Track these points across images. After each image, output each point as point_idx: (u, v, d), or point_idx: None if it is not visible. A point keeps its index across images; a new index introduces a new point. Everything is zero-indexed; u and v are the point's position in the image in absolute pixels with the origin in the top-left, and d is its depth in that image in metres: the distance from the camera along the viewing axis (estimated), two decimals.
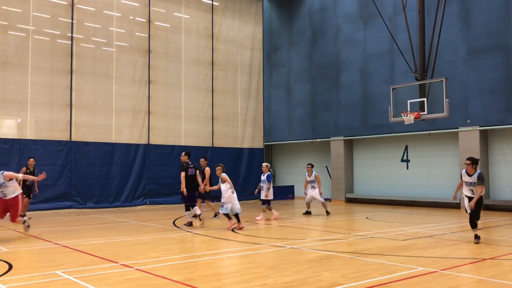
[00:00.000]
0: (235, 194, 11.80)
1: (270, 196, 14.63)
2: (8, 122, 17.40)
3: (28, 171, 14.06)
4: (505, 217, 15.17)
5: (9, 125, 17.39)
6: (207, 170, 14.22)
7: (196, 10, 22.27)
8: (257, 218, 14.31)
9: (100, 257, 8.12)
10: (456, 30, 18.97)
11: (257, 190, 15.09)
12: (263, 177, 14.65)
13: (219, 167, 12.28)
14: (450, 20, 18.71)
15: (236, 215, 11.82)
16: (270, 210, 14.71)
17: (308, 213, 16.29)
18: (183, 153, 13.49)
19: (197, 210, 12.78)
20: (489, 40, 18.07)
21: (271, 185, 14.67)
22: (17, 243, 9.82)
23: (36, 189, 14.47)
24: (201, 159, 14.74)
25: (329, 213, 16.20)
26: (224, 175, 12.01)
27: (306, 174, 16.33)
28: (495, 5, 18.00)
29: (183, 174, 12.73)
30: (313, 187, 16.09)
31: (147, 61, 20.42)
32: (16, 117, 17.41)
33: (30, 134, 17.52)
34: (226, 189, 11.80)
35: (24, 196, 12.98)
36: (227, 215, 11.81)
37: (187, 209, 12.72)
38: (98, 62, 19.11)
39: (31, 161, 14.39)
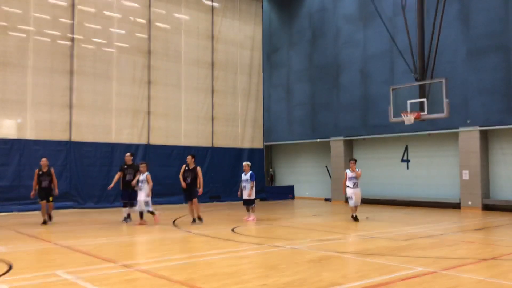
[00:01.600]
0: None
1: (253, 196, 14.16)
2: (8, 122, 17.42)
3: (41, 172, 13.20)
4: (505, 217, 15.18)
5: (9, 125, 17.40)
6: (199, 169, 13.50)
7: (196, 11, 22.30)
8: (248, 218, 13.98)
9: (101, 257, 8.13)
10: (456, 30, 18.98)
11: (240, 192, 14.30)
12: (245, 176, 14.13)
13: (144, 164, 13.19)
14: (450, 21, 18.72)
15: (141, 213, 12.91)
16: (253, 211, 14.17)
17: (356, 219, 13.93)
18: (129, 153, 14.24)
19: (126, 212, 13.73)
20: (489, 41, 18.08)
21: (254, 184, 14.18)
22: (16, 243, 9.83)
23: (56, 190, 13.50)
24: (188, 157, 13.71)
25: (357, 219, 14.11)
26: (149, 174, 12.97)
27: (348, 171, 14.13)
28: (494, 5, 18.01)
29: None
30: (356, 186, 13.95)
31: (147, 62, 20.44)
32: (16, 118, 17.42)
33: (30, 134, 17.54)
34: (150, 187, 12.84)
35: (40, 200, 13.10)
36: (152, 212, 12.95)
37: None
38: (98, 63, 19.13)
39: (44, 161, 13.40)
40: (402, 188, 21.01)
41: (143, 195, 12.76)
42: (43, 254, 8.61)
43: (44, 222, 13.10)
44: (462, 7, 18.94)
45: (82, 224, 13.51)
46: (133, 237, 10.97)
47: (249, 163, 14.61)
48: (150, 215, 13.09)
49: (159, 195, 19.98)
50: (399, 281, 6.28)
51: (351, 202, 13.86)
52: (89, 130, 18.72)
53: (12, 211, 16.23)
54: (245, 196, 14.15)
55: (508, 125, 17.45)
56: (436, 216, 15.76)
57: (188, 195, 13.29)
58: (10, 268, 7.15)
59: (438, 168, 19.91)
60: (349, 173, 13.95)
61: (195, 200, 13.19)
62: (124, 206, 13.84)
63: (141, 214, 12.93)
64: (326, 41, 24.36)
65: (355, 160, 14.43)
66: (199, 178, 13.29)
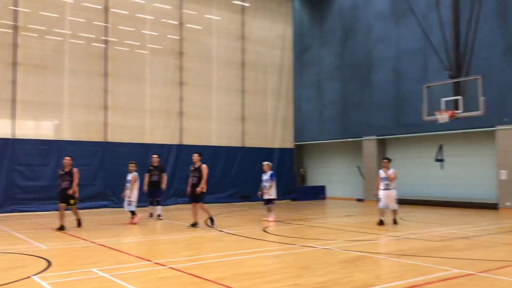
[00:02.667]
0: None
1: (274, 196, 14.08)
2: (46, 124, 18.00)
3: (62, 172, 12.09)
4: None
5: (47, 127, 17.99)
6: (204, 167, 12.34)
7: (226, 12, 22.43)
8: (268, 219, 13.85)
9: (135, 256, 8.29)
10: (493, 25, 18.41)
11: (260, 192, 14.21)
12: (266, 177, 14.10)
13: (133, 164, 13.57)
14: (487, 16, 18.17)
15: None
16: (269, 210, 14.04)
17: (381, 223, 12.91)
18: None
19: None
20: None
21: (275, 183, 14.09)
22: (55, 241, 10.13)
23: (75, 190, 12.09)
24: (194, 155, 12.68)
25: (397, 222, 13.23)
26: (135, 174, 13.42)
27: (381, 171, 13.46)
28: None
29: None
30: (387, 188, 13.10)
31: (179, 63, 20.70)
32: (53, 119, 17.97)
33: (66, 135, 18.05)
34: (136, 187, 13.35)
35: (59, 202, 11.92)
36: (133, 211, 13.26)
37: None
38: (131, 65, 19.50)
39: (67, 160, 12.14)
40: (436, 188, 20.56)
41: (128, 194, 13.23)
42: (80, 252, 8.84)
43: (61, 228, 11.72)
44: (500, 2, 18.36)
45: (117, 223, 13.79)
46: (166, 236, 11.13)
47: (269, 163, 14.52)
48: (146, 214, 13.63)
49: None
50: (434, 283, 6.15)
51: (380, 204, 13.19)
52: (124, 131, 19.11)
53: (50, 210, 16.71)
54: (265, 196, 14.09)
55: None
56: (472, 217, 15.35)
57: (192, 197, 12.32)
58: (49, 265, 7.38)
59: (474, 168, 19.38)
60: (381, 173, 13.41)
61: (200, 204, 12.28)
62: (150, 204, 14.66)
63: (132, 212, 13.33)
64: (358, 39, 24.07)
65: (388, 160, 13.57)
66: (203, 177, 12.18)
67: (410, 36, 21.36)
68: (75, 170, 12.07)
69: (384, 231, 11.88)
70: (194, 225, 12.35)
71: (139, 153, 19.26)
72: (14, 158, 17.00)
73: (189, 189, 12.45)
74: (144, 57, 19.87)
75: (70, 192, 11.83)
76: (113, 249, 8.99)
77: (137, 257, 8.15)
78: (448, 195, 19.91)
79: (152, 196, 14.71)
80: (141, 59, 19.77)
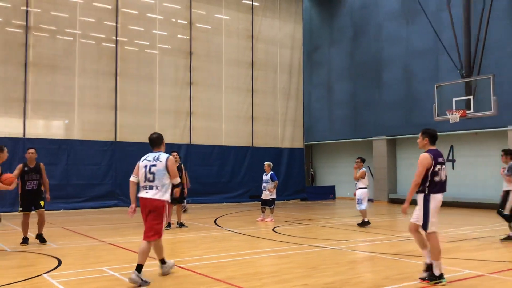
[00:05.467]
0: None
1: (274, 196, 13.82)
2: (56, 123, 18.15)
3: (26, 168, 9.32)
4: None
5: (57, 126, 18.14)
6: (182, 167, 12.43)
7: (236, 11, 22.44)
8: (266, 219, 13.63)
9: None
10: (505, 25, 18.22)
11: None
12: (266, 177, 13.84)
13: None
14: (498, 15, 17.99)
15: None
16: (271, 211, 13.78)
17: (365, 224, 12.66)
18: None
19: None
20: None
21: (276, 184, 13.87)
22: (66, 240, 10.20)
23: (48, 195, 9.65)
24: (174, 153, 11.87)
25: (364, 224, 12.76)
26: None
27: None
28: None
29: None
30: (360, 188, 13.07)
31: (188, 63, 20.75)
32: (63, 119, 18.11)
33: (77, 134, 18.18)
34: None
35: (22, 209, 9.16)
36: None
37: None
38: (141, 65, 19.59)
39: (31, 153, 9.46)
40: (447, 188, 20.35)
41: None
42: (89, 250, 8.89)
43: (24, 241, 9.15)
44: (511, 1, 18.17)
45: (127, 222, 13.85)
46: (176, 235, 11.16)
47: (270, 163, 14.18)
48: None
49: (199, 194, 20.22)
50: (445, 284, 6.09)
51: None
52: (133, 131, 19.19)
53: (60, 209, 16.85)
54: (264, 197, 13.85)
55: None
56: (483, 218, 15.19)
57: (179, 198, 11.85)
58: (59, 263, 7.43)
59: (485, 168, 19.18)
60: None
61: (181, 205, 12.33)
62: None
63: None
64: (368, 39, 23.96)
65: (361, 159, 13.41)
66: (183, 177, 12.02)
67: (420, 35, 21.21)
68: (42, 164, 9.50)
69: (394, 231, 11.80)
70: (178, 224, 12.24)
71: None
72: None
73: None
74: (154, 57, 19.94)
75: (46, 196, 9.54)
76: (122, 248, 9.03)
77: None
78: (459, 196, 19.72)
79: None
80: (150, 59, 19.85)
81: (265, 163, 14.29)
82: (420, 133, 6.68)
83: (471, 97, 16.34)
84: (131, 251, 8.65)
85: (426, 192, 6.32)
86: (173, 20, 20.58)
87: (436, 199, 6.34)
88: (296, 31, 24.61)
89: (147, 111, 19.67)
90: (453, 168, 20.35)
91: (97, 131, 18.54)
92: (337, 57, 25.77)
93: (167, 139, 21.97)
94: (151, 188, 6.39)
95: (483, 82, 16.09)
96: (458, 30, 17.23)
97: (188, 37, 20.82)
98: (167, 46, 20.31)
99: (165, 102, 20.13)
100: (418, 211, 6.40)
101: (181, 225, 12.29)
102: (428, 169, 6.30)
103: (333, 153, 26.82)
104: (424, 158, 6.30)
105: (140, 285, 5.94)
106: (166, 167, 6.45)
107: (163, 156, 6.63)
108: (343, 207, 20.44)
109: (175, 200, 11.33)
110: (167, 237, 10.99)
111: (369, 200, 23.54)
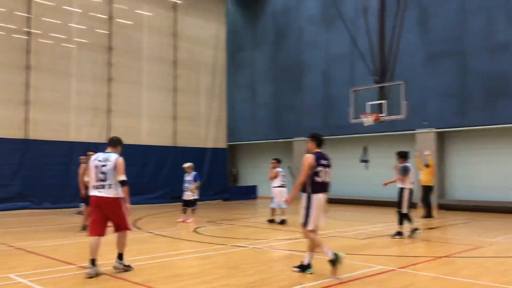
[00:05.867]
0: None
1: (196, 196, 13.73)
2: None
3: None
4: (458, 216, 15.73)
5: None
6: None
7: (158, 8, 22.01)
8: (187, 220, 13.49)
9: (58, 259, 7.90)
10: (415, 34, 19.52)
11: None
12: (188, 177, 13.76)
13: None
14: (410, 25, 19.21)
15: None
16: (193, 212, 13.67)
17: (273, 221, 13.39)
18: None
19: None
20: (445, 46, 18.70)
21: (199, 184, 13.85)
22: None
23: None
24: (90, 153, 11.03)
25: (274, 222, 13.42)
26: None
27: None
28: (451, 11, 18.65)
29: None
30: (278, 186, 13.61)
31: (108, 58, 20.01)
32: None
33: None
34: None
35: None
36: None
37: None
38: (57, 59, 18.60)
39: None
40: (361, 188, 21.41)
41: None
42: None
43: None
44: (421, 12, 19.51)
45: (39, 225, 13.09)
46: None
47: (190, 164, 13.98)
48: None
49: None
50: (359, 279, 6.41)
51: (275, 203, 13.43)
52: (47, 128, 18.14)
53: None
54: (186, 197, 13.70)
55: (463, 127, 18.09)
56: (394, 216, 16.09)
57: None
58: None
59: None
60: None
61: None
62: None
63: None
64: (290, 42, 24.55)
65: (276, 160, 14.12)
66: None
67: (339, 41, 22.11)
68: None
69: None
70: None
71: (64, 151, 18.40)
72: None
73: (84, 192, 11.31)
74: (71, 51, 19.02)
75: None
76: (33, 253, 8.52)
77: (60, 261, 7.78)
78: (373, 195, 20.79)
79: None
80: (67, 53, 18.90)
81: (184, 165, 13.98)
82: (308, 137, 7.22)
83: (383, 101, 17.26)
84: (44, 255, 8.18)
85: (309, 192, 6.68)
86: (92, 14, 19.74)
87: (318, 198, 6.69)
88: (219, 32, 24.62)
89: (63, 108, 18.69)
90: (367, 169, 21.41)
91: (6, 128, 17.30)
92: (260, 59, 26.14)
93: (84, 138, 21.23)
94: (103, 187, 6.78)
95: (395, 88, 17.06)
96: (373, 37, 18.13)
97: (108, 32, 20.08)
98: (85, 41, 19.44)
99: (83, 99, 19.25)
100: (301, 209, 6.74)
101: None
102: (311, 170, 6.66)
103: (256, 153, 27.18)
104: (306, 158, 6.73)
105: (125, 270, 6.82)
106: (115, 167, 6.86)
107: (113, 156, 7.06)
108: (264, 206, 20.75)
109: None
110: (85, 240, 10.51)
111: None
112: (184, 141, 22.61)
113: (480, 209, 17.62)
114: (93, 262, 6.57)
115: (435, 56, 18.97)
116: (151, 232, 11.48)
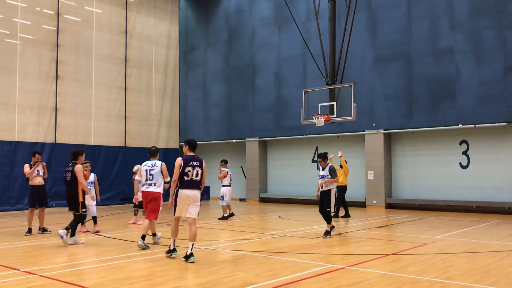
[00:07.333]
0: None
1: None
2: None
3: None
4: (405, 215, 16.31)
5: None
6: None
7: (109, 5, 21.47)
8: (138, 223, 13.23)
9: (0, 264, 7.54)
10: (364, 38, 20.08)
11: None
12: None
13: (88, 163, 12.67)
14: (359, 29, 19.76)
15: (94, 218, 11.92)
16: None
17: (226, 218, 14.77)
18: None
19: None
20: (393, 49, 19.35)
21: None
22: None
23: None
24: (37, 155, 11.68)
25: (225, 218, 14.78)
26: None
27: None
28: (398, 15, 19.32)
29: None
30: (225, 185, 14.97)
31: (55, 56, 19.33)
32: None
33: None
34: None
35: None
36: (94, 218, 11.88)
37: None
38: (0, 55, 17.77)
39: None
40: (313, 188, 21.74)
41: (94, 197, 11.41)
42: None
43: None
44: (370, 16, 20.09)
45: None
46: (38, 242, 10.31)
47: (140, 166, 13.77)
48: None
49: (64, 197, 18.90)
50: (310, 278, 6.52)
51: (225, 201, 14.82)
52: None
53: None
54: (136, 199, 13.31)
55: (409, 129, 18.78)
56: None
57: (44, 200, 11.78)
58: None
59: None
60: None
61: (43, 209, 11.61)
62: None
63: (95, 219, 11.86)
64: (242, 43, 24.61)
65: (223, 161, 15.30)
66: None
67: (291, 42, 22.40)
68: None
69: (265, 230, 12.27)
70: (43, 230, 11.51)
71: (6, 151, 17.61)
72: None
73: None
74: (15, 47, 18.22)
75: None
76: None
77: (3, 266, 7.43)
78: None
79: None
80: (11, 49, 18.10)
81: (134, 168, 13.59)
82: (184, 142, 8.32)
83: (334, 103, 17.62)
84: None
85: (177, 187, 7.96)
86: (38, 9, 18.99)
87: (183, 193, 7.89)
88: (172, 31, 24.34)
89: (5, 106, 17.88)
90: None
91: None
92: (213, 59, 26.05)
93: (28, 137, 20.43)
94: (150, 184, 9.47)
95: (345, 90, 17.46)
96: (324, 40, 18.48)
97: (55, 28, 19.38)
98: (30, 37, 18.67)
99: (27, 97, 18.49)
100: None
101: (43, 230, 11.41)
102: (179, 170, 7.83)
103: (208, 153, 27.02)
104: (177, 160, 7.95)
105: (144, 248, 8.94)
106: (161, 170, 9.48)
107: (158, 163, 9.59)
108: (216, 207, 20.68)
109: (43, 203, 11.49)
110: (29, 244, 10.10)
111: (242, 200, 24.35)
112: (134, 141, 22.18)
113: (425, 207, 18.39)
114: (143, 237, 9.12)
115: (383, 59, 19.60)
116: (100, 235, 11.18)
